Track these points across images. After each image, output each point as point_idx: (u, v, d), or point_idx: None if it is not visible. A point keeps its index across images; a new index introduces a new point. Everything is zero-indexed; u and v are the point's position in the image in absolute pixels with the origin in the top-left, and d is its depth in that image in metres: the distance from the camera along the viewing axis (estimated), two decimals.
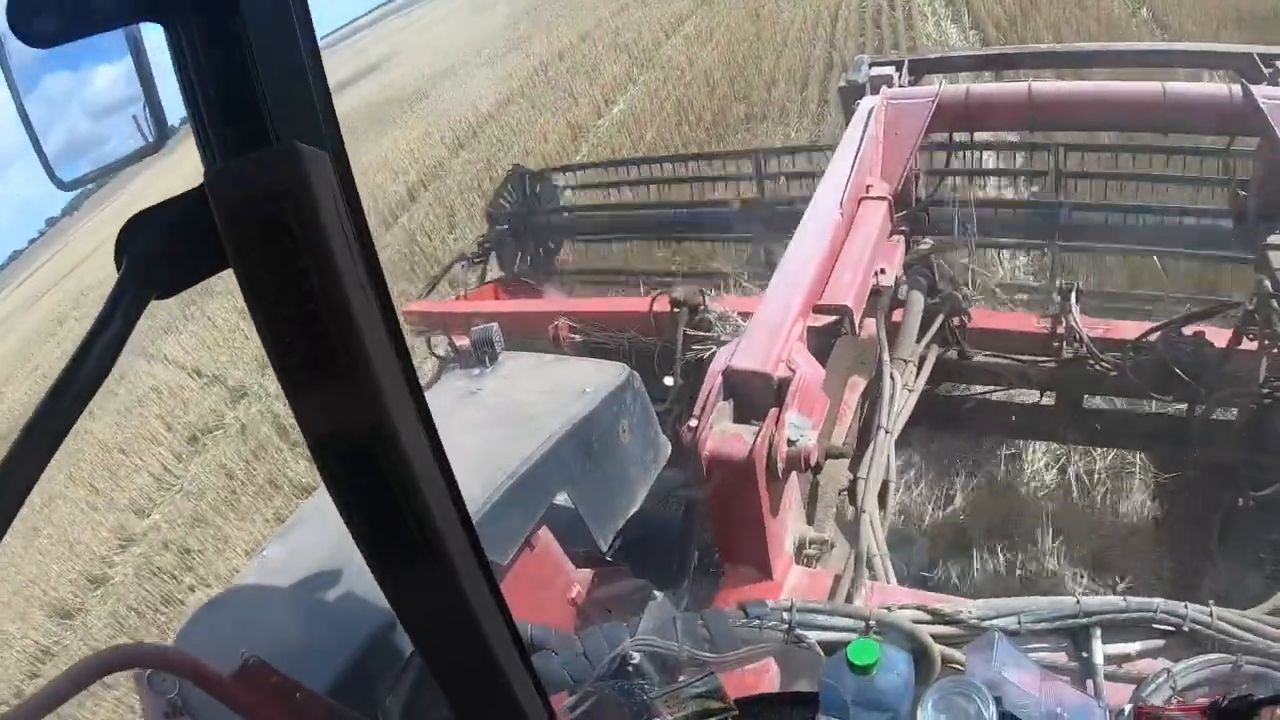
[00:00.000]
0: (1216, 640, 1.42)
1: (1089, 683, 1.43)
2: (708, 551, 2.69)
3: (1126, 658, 1.47)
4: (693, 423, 1.82)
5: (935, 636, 1.46)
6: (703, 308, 2.99)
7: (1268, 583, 2.09)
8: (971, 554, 3.30)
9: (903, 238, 2.80)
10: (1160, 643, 1.47)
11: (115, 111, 0.67)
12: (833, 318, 2.23)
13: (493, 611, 0.74)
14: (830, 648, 1.47)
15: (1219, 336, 2.41)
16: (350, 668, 1.51)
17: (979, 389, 2.95)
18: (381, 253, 0.64)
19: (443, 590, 0.68)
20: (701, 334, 2.94)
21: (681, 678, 1.39)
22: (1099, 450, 3.52)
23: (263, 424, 6.41)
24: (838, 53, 9.82)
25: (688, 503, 2.78)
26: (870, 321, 2.39)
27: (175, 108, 0.61)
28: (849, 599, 1.71)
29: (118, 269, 0.57)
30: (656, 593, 2.12)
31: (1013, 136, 4.18)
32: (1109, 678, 1.43)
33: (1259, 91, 2.54)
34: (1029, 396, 2.91)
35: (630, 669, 1.43)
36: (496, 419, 2.13)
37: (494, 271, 4.59)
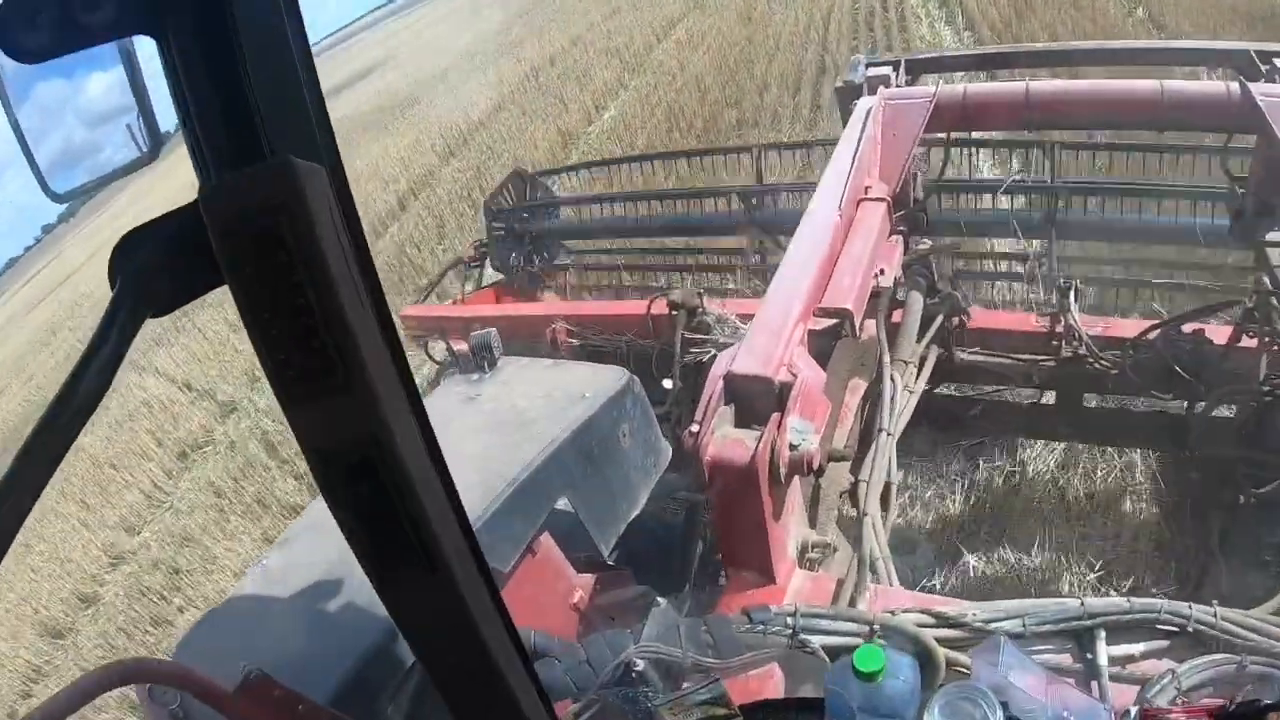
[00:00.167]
0: (1221, 641, 1.41)
1: (1094, 684, 1.43)
2: (709, 555, 2.68)
3: (1131, 659, 1.47)
4: (694, 428, 1.81)
5: (939, 640, 1.45)
6: (700, 310, 2.98)
7: (1271, 582, 2.09)
8: (970, 556, 3.29)
9: (901, 238, 2.80)
10: (1165, 643, 1.46)
11: (109, 120, 0.66)
12: (833, 321, 2.22)
13: (494, 619, 0.73)
14: (835, 652, 1.46)
15: (1219, 334, 2.41)
16: (351, 678, 1.51)
17: (979, 389, 2.95)
18: None
19: (443, 598, 0.67)
20: (700, 336, 2.93)
21: (686, 684, 1.38)
22: (1099, 449, 3.52)
23: (251, 440, 6.39)
24: (830, 56, 9.72)
25: (689, 506, 2.77)
26: (870, 323, 2.38)
27: (168, 116, 0.60)
28: (852, 602, 1.70)
29: (112, 287, 0.56)
30: (659, 599, 2.11)
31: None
32: (1114, 679, 1.43)
33: (1256, 89, 2.54)
34: (1029, 395, 2.91)
35: (634, 676, 1.42)
36: (496, 425, 2.13)
37: (490, 275, 4.58)
